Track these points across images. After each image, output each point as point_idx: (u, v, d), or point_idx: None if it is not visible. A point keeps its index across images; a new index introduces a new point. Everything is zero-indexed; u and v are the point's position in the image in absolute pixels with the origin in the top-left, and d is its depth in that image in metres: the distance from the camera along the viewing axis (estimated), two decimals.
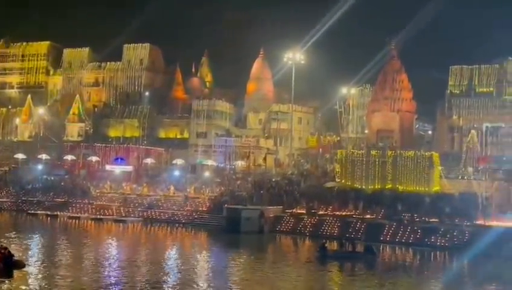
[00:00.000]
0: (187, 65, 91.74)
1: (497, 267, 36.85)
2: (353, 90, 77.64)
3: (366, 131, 74.47)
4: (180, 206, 57.97)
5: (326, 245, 40.84)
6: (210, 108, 78.74)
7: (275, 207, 53.56)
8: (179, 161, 72.80)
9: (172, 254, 41.22)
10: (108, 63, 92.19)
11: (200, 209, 56.85)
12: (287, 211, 53.31)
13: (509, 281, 34.79)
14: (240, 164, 71.33)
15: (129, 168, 69.52)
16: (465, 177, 53.56)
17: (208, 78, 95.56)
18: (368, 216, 50.29)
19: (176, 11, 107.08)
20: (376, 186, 54.25)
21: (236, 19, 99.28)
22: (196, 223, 54.38)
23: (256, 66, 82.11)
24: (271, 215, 52.22)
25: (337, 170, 57.37)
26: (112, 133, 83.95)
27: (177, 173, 66.62)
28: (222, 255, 41.08)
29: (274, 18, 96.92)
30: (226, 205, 53.74)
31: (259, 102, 79.87)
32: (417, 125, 75.63)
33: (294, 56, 67.79)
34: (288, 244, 48.64)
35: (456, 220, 46.80)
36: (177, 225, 54.68)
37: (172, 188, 61.03)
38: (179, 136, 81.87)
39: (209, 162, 71.31)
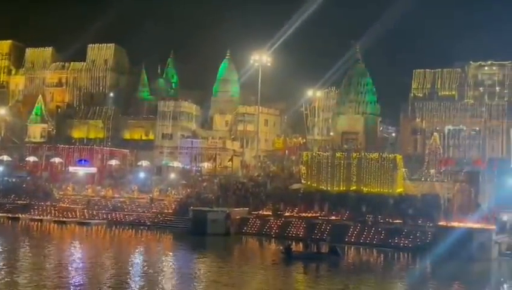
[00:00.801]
0: (153, 66, 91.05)
1: (459, 267, 37.63)
2: (319, 93, 78.25)
3: (331, 133, 75.16)
4: (145, 208, 57.42)
5: (291, 246, 41.28)
6: (176, 109, 78.22)
7: (241, 209, 53.58)
8: (144, 163, 72.18)
9: (137, 257, 40.80)
10: (72, 63, 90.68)
11: (166, 211, 56.43)
12: (253, 212, 53.39)
13: (471, 281, 35.64)
14: (206, 165, 71.09)
15: (93, 169, 68.53)
16: (428, 179, 54.48)
17: (174, 79, 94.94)
18: (333, 217, 50.75)
19: (142, 12, 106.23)
20: (341, 188, 54.78)
21: (203, 20, 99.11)
22: (162, 226, 53.91)
23: (223, 68, 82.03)
24: (237, 217, 52.22)
25: (303, 171, 57.75)
26: (76, 134, 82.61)
27: (142, 174, 65.98)
28: (188, 257, 40.88)
29: (241, 20, 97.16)
30: (192, 207, 53.44)
31: (225, 104, 79.82)
32: (381, 128, 76.71)
33: (261, 58, 67.97)
34: (254, 246, 48.68)
35: (419, 221, 47.64)
36: (142, 227, 54.09)
37: (135, 189, 60.42)
38: (144, 138, 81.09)
39: (175, 164, 70.85)
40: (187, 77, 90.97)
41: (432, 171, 55.98)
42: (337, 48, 78.51)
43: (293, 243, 43.91)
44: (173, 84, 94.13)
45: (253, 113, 76.07)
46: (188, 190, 60.05)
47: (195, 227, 50.46)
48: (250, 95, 79.01)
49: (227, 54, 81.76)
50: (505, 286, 35.40)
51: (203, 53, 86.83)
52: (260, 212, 53.38)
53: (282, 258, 39.97)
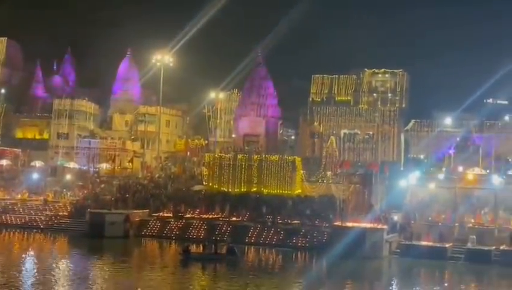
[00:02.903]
0: (48, 62, 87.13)
1: (353, 266, 39.25)
2: (221, 95, 78.63)
3: (233, 135, 75.75)
4: (38, 210, 55.03)
5: (189, 248, 41.41)
6: (73, 108, 75.26)
7: (141, 211, 52.70)
8: (37, 163, 68.97)
9: (28, 261, 38.92)
10: None
11: (61, 213, 54.39)
12: (154, 214, 52.72)
13: (365, 279, 37.37)
14: (105, 166, 69.07)
15: None
16: (325, 181, 56.34)
17: (71, 76, 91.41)
18: (234, 219, 51.24)
19: (38, 5, 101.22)
20: (242, 190, 55.42)
21: (103, 17, 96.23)
22: (56, 229, 51.86)
23: (123, 67, 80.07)
24: (137, 220, 51.34)
25: (205, 173, 57.82)
26: None
27: (35, 175, 63.00)
28: (84, 261, 39.54)
29: (143, 18, 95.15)
30: (89, 209, 51.89)
31: (125, 103, 77.99)
32: (281, 131, 78.35)
33: (163, 58, 67.22)
34: (153, 249, 48.05)
35: (316, 222, 49.24)
36: (34, 230, 51.74)
37: (25, 191, 57.61)
38: (38, 137, 77.40)
39: (71, 165, 68.22)
40: (85, 75, 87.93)
41: (329, 173, 57.90)
42: (240, 51, 79.26)
43: (194, 245, 43.87)
44: (70, 82, 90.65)
45: (154, 114, 75.02)
46: (85, 192, 58.29)
47: (92, 230, 49.11)
48: (151, 95, 77.86)
49: (128, 53, 79.98)
50: (394, 283, 37.43)
51: (103, 51, 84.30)
52: (161, 214, 52.81)
53: (180, 260, 39.91)
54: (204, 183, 57.23)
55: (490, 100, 77.77)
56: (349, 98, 76.51)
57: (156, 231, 50.71)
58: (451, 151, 57.15)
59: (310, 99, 76.97)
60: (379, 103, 75.64)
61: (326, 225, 48.02)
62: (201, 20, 70.43)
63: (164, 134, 76.51)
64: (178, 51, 70.50)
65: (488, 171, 53.23)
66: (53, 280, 32.18)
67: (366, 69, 77.19)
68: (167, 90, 71.64)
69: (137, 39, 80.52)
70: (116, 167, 66.97)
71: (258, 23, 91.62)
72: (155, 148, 73.60)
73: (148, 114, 76.13)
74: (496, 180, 47.15)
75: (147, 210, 53.18)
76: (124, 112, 77.70)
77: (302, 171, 56.41)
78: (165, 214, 52.72)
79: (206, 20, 70.93)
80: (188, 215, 52.21)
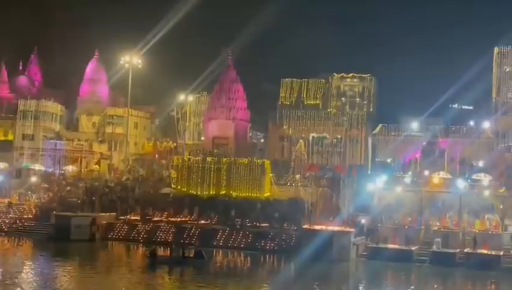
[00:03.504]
0: (14, 62, 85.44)
1: (321, 268, 39.46)
2: (191, 97, 78.31)
3: (202, 138, 75.47)
4: (2, 213, 53.92)
5: (156, 251, 41.05)
6: (38, 109, 73.82)
7: (108, 214, 52.01)
8: (1, 165, 67.45)
9: None
10: None
11: (26, 216, 53.37)
12: (121, 217, 52.12)
13: (332, 282, 37.62)
14: (71, 169, 68.03)
15: None
16: (294, 184, 56.60)
17: (37, 77, 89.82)
18: (203, 222, 51.02)
19: (3, 4, 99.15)
20: (211, 193, 55.24)
21: (70, 17, 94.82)
22: (21, 232, 50.83)
23: (91, 67, 79.06)
24: (103, 223, 50.66)
25: (173, 176, 57.47)
26: None
27: None
28: (49, 264, 38.89)
29: (111, 20, 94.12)
30: (54, 212, 51.04)
31: (93, 105, 76.96)
32: (251, 134, 78.43)
33: (132, 59, 66.61)
34: (120, 252, 47.50)
35: (285, 225, 49.36)
36: None
37: None
38: (2, 138, 75.74)
39: (37, 167, 66.93)
40: (52, 76, 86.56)
41: (298, 176, 58.18)
42: (210, 54, 79.09)
43: (161, 248, 43.53)
44: (36, 83, 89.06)
45: (122, 116, 74.21)
46: (51, 194, 57.29)
47: (58, 233, 48.35)
48: (119, 96, 76.98)
49: (96, 54, 79.00)
50: (361, 286, 37.79)
51: (70, 51, 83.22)
52: (128, 217, 52.25)
53: (147, 264, 39.54)
54: (172, 186, 56.86)
55: (455, 105, 79.39)
56: (318, 102, 77.15)
57: (123, 234, 50.14)
58: (418, 156, 58.05)
59: (279, 102, 77.35)
60: (347, 107, 76.54)
61: (295, 228, 48.19)
62: (171, 21, 70.10)
63: (132, 136, 75.75)
64: (147, 52, 70.09)
65: (453, 175, 54.23)
66: (17, 285, 31.48)
67: (334, 74, 78.00)
68: (136, 92, 71.00)
69: (106, 40, 79.72)
70: (82, 169, 66.10)
71: (228, 26, 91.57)
72: (123, 150, 72.78)
73: (116, 116, 75.25)
74: (461, 184, 48.04)
75: (114, 213, 52.53)
76: (91, 114, 76.67)
77: (271, 175, 56.53)
78: (133, 217, 52.19)
79: (176, 21, 70.62)
80: (155, 219, 51.79)
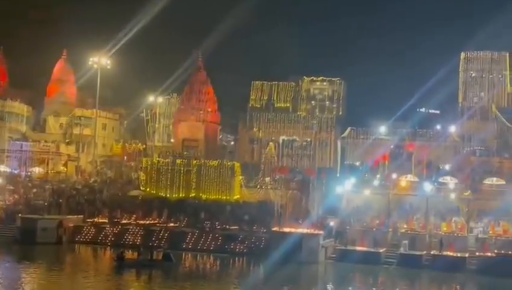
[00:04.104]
0: None
1: (290, 271, 39.62)
2: (160, 99, 77.80)
3: (172, 140, 75.04)
4: None
5: (124, 254, 40.68)
6: (4, 109, 72.52)
7: (75, 216, 51.29)
8: None
9: None
10: None
11: None
12: (88, 220, 51.42)
13: (301, 285, 37.83)
14: (37, 170, 66.85)
15: None
16: (263, 187, 56.71)
17: (3, 77, 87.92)
18: (172, 224, 50.70)
19: None
20: (180, 195, 54.97)
21: (37, 16, 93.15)
22: None
23: (58, 68, 77.84)
24: (70, 225, 49.92)
25: (142, 178, 57.00)
26: None
27: None
28: (14, 268, 38.13)
29: (80, 19, 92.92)
30: (20, 215, 50.08)
31: (60, 105, 75.77)
32: (221, 136, 78.31)
33: (100, 60, 65.87)
34: (87, 255, 46.88)
35: (254, 227, 49.41)
36: None
37: None
38: None
39: (2, 168, 65.54)
40: (18, 76, 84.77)
41: (267, 179, 58.30)
42: (179, 55, 78.65)
43: (130, 251, 43.11)
44: (1, 83, 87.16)
45: (90, 117, 73.31)
46: (16, 196, 56.17)
47: (23, 236, 47.47)
48: (87, 97, 75.94)
49: (64, 54, 77.84)
50: (329, 288, 38.09)
51: (37, 51, 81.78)
52: (95, 219, 51.57)
53: (114, 267, 39.14)
54: (141, 188, 56.40)
55: (423, 109, 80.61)
56: (288, 105, 77.48)
57: (90, 237, 49.47)
58: (385, 159, 58.71)
59: (250, 105, 77.45)
60: (317, 110, 77.07)
61: (264, 230, 48.25)
62: (141, 22, 69.61)
63: (100, 138, 74.87)
64: (116, 53, 69.43)
65: (420, 178, 55.04)
66: None
67: (304, 77, 78.46)
68: (104, 93, 70.21)
69: (74, 40, 78.50)
70: (49, 171, 65.07)
71: (198, 27, 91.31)
72: (90, 152, 71.88)
73: (84, 117, 74.25)
74: (428, 187, 48.79)
75: (81, 216, 51.81)
76: (58, 114, 75.52)
77: (241, 177, 56.55)
78: (100, 220, 51.52)
79: (146, 22, 70.15)
80: (124, 221, 51.24)
